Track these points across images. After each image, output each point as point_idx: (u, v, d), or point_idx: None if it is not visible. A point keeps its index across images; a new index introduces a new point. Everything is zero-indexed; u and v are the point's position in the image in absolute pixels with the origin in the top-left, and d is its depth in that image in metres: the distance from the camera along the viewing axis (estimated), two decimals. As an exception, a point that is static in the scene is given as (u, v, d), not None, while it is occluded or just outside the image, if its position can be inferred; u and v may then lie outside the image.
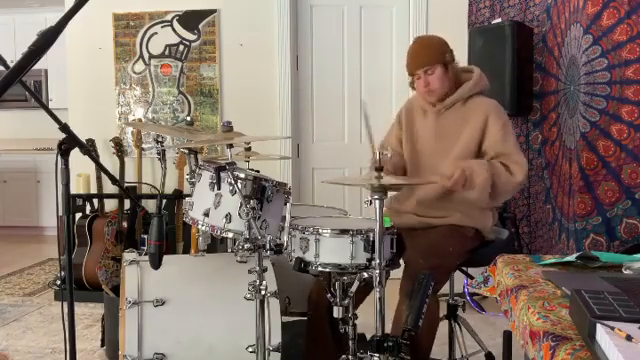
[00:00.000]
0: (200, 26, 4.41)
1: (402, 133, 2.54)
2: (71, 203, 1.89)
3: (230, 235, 1.92)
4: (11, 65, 1.11)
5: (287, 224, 1.94)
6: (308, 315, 2.38)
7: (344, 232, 1.93)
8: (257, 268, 1.95)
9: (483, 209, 2.38)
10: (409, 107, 2.58)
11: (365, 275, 1.89)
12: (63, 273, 1.95)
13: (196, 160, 2.13)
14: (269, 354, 2.04)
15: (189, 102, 4.47)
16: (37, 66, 1.33)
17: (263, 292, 1.94)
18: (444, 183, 2.20)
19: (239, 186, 1.86)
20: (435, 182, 2.26)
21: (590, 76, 2.87)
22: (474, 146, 2.35)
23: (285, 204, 1.98)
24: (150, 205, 4.32)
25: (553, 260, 1.73)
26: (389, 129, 2.65)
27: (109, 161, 4.15)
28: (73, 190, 2.05)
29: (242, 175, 1.90)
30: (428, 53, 2.38)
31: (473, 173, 2.19)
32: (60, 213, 1.90)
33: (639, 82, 2.80)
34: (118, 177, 3.90)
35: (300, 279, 2.33)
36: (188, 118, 2.48)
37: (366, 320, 2.20)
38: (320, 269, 1.95)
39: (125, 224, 4.03)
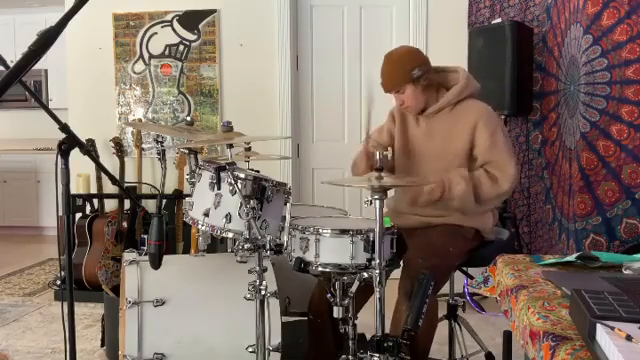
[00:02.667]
0: (200, 26, 4.41)
1: (395, 129, 2.54)
2: (71, 203, 1.88)
3: (230, 235, 1.92)
4: (11, 65, 1.11)
5: (287, 224, 1.94)
6: (309, 317, 2.38)
7: (344, 232, 1.93)
8: (257, 268, 1.95)
9: (483, 209, 2.39)
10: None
11: (365, 275, 1.89)
12: (63, 273, 1.94)
13: (196, 160, 2.13)
14: (269, 354, 2.04)
15: (189, 102, 4.47)
16: (37, 66, 1.33)
17: (263, 292, 1.94)
18: (425, 192, 2.29)
19: (239, 186, 1.86)
20: (433, 183, 2.28)
21: (590, 76, 2.87)
22: (464, 151, 2.35)
23: (285, 204, 1.98)
24: (150, 205, 4.32)
25: (553, 260, 1.73)
26: (380, 125, 2.65)
27: (109, 161, 4.15)
28: (73, 190, 2.05)
29: (242, 175, 1.90)
30: (394, 76, 2.37)
31: (452, 183, 2.26)
32: (60, 213, 1.90)
33: (639, 82, 2.80)
34: (118, 177, 3.90)
35: (300, 279, 2.33)
36: (188, 118, 2.48)
37: (366, 320, 2.20)
38: (320, 269, 1.95)
39: (125, 224, 4.03)
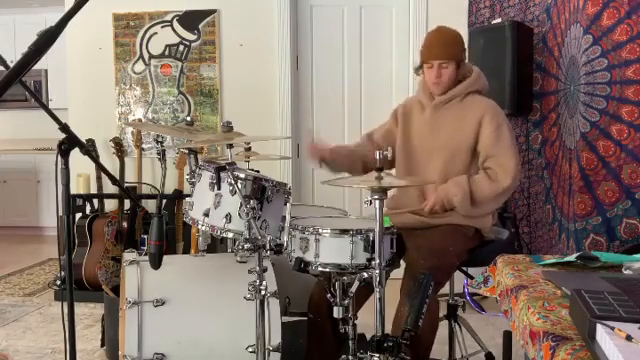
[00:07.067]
0: (200, 26, 4.41)
1: (397, 130, 2.54)
2: (71, 203, 1.88)
3: (230, 235, 1.92)
4: (11, 65, 1.11)
5: (287, 224, 1.94)
6: (309, 317, 2.38)
7: (344, 232, 1.93)
8: (257, 268, 1.95)
9: (487, 211, 2.39)
10: (407, 105, 2.59)
11: (365, 275, 1.89)
12: (63, 273, 1.95)
13: (196, 160, 2.13)
14: (269, 354, 2.04)
15: (189, 102, 4.47)
16: (37, 66, 1.33)
17: (263, 292, 1.94)
18: (424, 210, 2.30)
19: (239, 186, 1.86)
20: (434, 182, 2.29)
21: (590, 76, 2.87)
22: (468, 145, 2.35)
23: (285, 204, 1.98)
24: (150, 205, 4.32)
25: (553, 260, 1.73)
26: (382, 124, 2.66)
27: (109, 161, 4.15)
28: (73, 190, 2.05)
29: (242, 175, 1.90)
30: (449, 48, 2.39)
31: (449, 194, 2.28)
32: (60, 213, 1.90)
33: (639, 82, 2.80)
34: (118, 177, 3.90)
35: (300, 279, 2.33)
36: (188, 118, 2.48)
37: (366, 320, 2.20)
38: (320, 269, 1.96)
39: (125, 224, 4.03)
